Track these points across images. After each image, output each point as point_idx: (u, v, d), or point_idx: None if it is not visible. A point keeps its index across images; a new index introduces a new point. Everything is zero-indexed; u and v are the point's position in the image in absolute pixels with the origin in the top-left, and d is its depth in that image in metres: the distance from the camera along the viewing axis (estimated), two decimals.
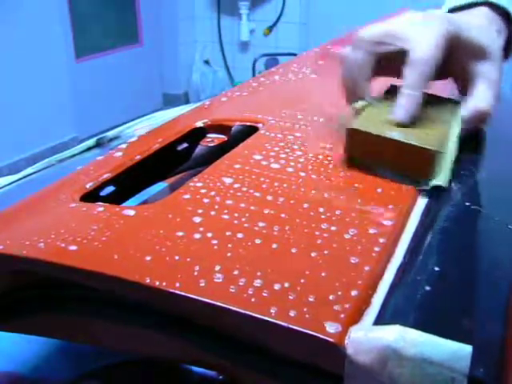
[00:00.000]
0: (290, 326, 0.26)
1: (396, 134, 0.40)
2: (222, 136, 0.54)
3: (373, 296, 0.28)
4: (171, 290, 0.28)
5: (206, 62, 3.67)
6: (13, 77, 2.63)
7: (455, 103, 0.47)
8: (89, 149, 0.58)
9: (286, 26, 3.40)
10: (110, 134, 0.61)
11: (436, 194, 0.39)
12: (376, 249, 0.32)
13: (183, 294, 0.28)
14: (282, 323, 0.26)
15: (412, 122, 0.42)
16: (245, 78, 2.58)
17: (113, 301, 0.31)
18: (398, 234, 0.34)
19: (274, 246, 0.32)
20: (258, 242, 0.32)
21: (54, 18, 2.80)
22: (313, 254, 0.31)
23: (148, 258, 0.31)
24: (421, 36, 0.43)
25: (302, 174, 0.41)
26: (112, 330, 0.33)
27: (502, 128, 0.55)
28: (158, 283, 0.29)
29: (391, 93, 0.47)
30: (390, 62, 0.45)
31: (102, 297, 0.32)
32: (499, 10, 0.48)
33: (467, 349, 0.23)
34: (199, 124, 0.54)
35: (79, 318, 0.33)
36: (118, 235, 0.34)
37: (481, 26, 0.47)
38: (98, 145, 0.59)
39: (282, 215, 0.35)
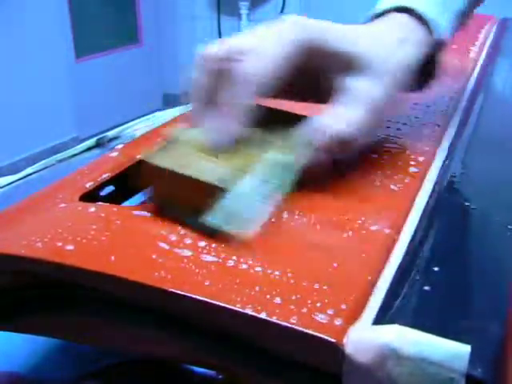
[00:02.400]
0: (290, 326, 0.26)
1: (179, 164, 0.34)
2: None
3: (372, 296, 0.28)
4: (171, 290, 0.28)
5: None
6: (13, 77, 2.64)
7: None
8: (89, 149, 0.58)
9: None
10: (110, 134, 0.61)
11: (436, 194, 0.39)
12: (375, 249, 0.32)
13: (184, 293, 0.28)
14: (282, 323, 0.26)
15: (230, 148, 0.36)
16: None
17: (113, 301, 0.31)
18: (397, 234, 0.34)
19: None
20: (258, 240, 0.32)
21: (54, 18, 2.80)
22: (312, 254, 0.31)
23: (148, 259, 0.31)
24: (257, 47, 0.36)
25: None
26: (112, 330, 0.33)
27: (501, 128, 0.55)
28: (158, 283, 0.29)
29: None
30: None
31: (102, 297, 0.32)
32: (422, 19, 0.41)
33: (466, 348, 0.23)
34: None
35: (79, 318, 0.33)
36: (117, 235, 0.34)
37: (368, 34, 0.39)
38: (98, 145, 0.59)
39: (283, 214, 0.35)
